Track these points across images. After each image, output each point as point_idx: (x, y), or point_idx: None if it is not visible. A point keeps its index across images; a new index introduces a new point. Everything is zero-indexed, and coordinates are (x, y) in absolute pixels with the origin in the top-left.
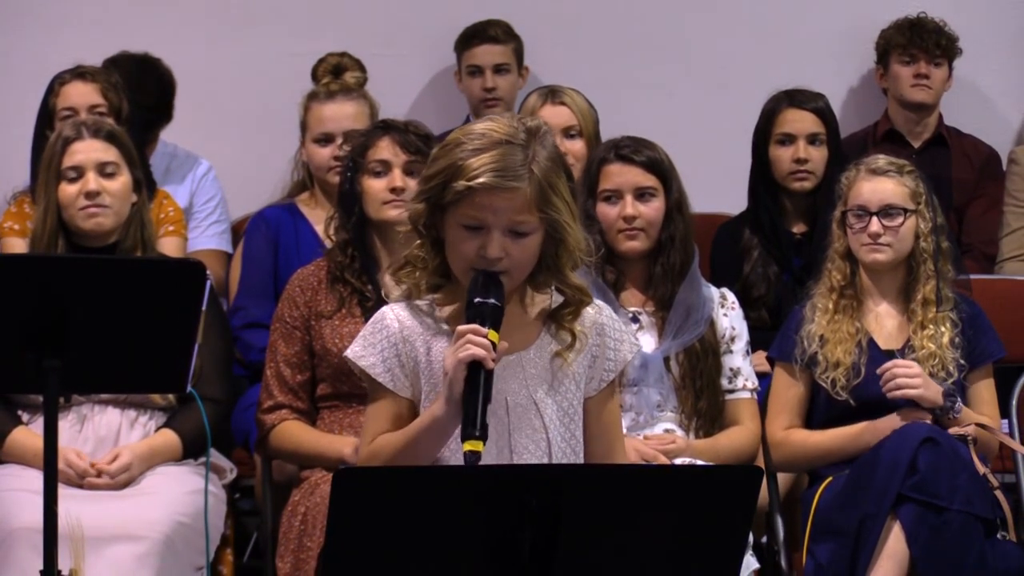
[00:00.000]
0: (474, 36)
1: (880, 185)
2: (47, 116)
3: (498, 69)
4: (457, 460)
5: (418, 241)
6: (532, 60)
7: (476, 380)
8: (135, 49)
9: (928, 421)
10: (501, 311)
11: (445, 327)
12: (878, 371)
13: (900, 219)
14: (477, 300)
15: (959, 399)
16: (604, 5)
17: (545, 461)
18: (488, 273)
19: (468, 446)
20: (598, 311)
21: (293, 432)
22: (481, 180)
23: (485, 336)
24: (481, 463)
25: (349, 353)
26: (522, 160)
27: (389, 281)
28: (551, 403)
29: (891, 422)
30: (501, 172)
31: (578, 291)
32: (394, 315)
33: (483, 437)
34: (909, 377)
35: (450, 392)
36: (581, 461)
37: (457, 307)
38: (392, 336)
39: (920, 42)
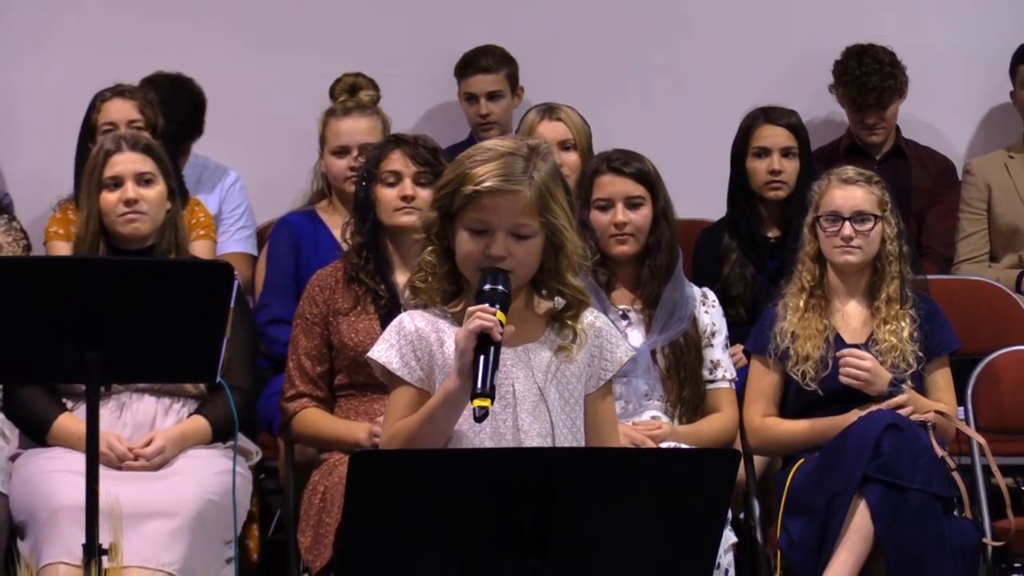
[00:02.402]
0: (468, 66)
1: (851, 193)
2: (89, 130)
3: (491, 96)
4: (473, 434)
5: (430, 248)
6: (531, 79)
7: (484, 349)
8: (170, 69)
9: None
10: (508, 297)
11: (455, 322)
12: (836, 354)
13: (870, 224)
14: (487, 287)
15: (903, 385)
16: (597, 30)
17: (549, 441)
18: (495, 267)
19: (476, 403)
20: (596, 317)
21: (313, 419)
22: (487, 184)
23: (493, 314)
24: (489, 444)
25: (371, 354)
26: (524, 168)
27: (402, 282)
28: (554, 391)
29: (854, 416)
30: (504, 176)
31: (578, 292)
32: (410, 318)
33: (491, 396)
34: (859, 369)
35: (461, 362)
36: (582, 443)
37: (466, 304)
38: (409, 335)
39: (863, 99)
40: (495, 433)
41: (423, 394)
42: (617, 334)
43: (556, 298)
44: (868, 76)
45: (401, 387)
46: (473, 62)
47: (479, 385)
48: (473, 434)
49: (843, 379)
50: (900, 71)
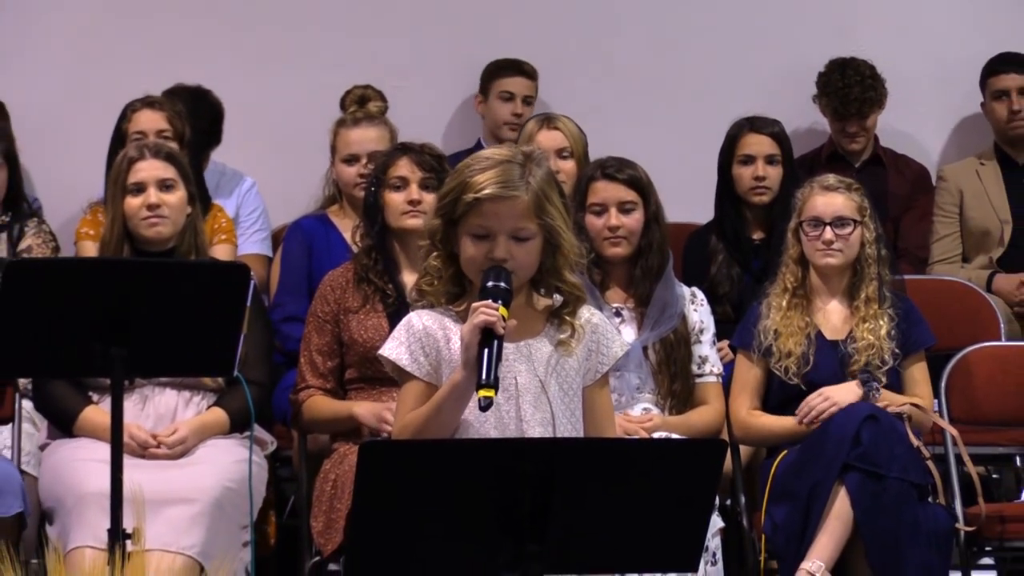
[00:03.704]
0: (510, 68)
1: (832, 199)
2: (120, 138)
3: (526, 99)
4: (479, 424)
5: (435, 253)
6: None
7: (488, 343)
8: (189, 82)
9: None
10: (510, 293)
11: (460, 320)
12: (799, 420)
13: (850, 229)
14: (489, 284)
15: (875, 383)
16: (594, 47)
17: (550, 430)
18: (498, 266)
19: (482, 393)
20: (592, 313)
21: (318, 404)
22: (486, 191)
23: (496, 309)
24: (494, 434)
25: (382, 351)
26: (520, 174)
27: (409, 282)
28: (554, 383)
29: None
30: (503, 184)
31: (576, 289)
32: (418, 317)
33: (495, 387)
34: (822, 401)
35: (466, 356)
36: (581, 432)
37: (471, 302)
38: (417, 333)
39: (845, 108)
40: (499, 423)
41: (431, 388)
42: (613, 329)
43: (555, 295)
44: (850, 88)
45: (411, 381)
46: (515, 65)
47: (484, 376)
48: (479, 423)
49: (823, 419)
50: (879, 83)
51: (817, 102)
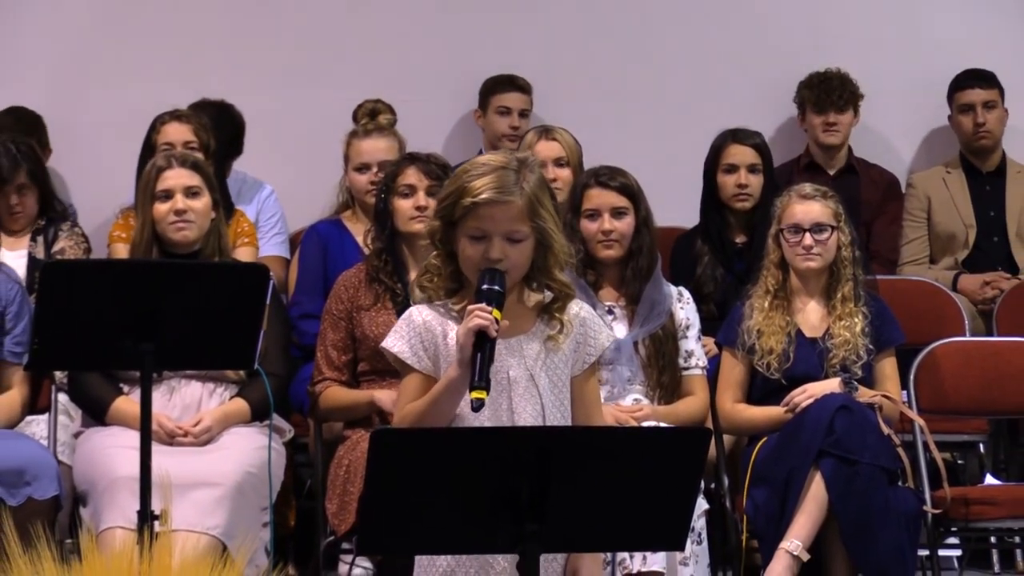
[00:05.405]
0: (508, 83)
1: (810, 207)
2: (150, 149)
3: (522, 113)
4: (473, 416)
5: (435, 252)
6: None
7: (481, 345)
8: (214, 96)
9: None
10: (503, 295)
11: (458, 317)
12: (786, 411)
13: (827, 234)
14: (484, 287)
15: (855, 384)
16: (590, 62)
17: (540, 420)
18: (493, 268)
19: (474, 395)
20: (580, 307)
21: (335, 393)
22: (483, 196)
23: (489, 312)
24: (488, 424)
25: (384, 344)
26: (515, 180)
27: (414, 283)
28: (544, 376)
29: None
30: (498, 189)
31: (564, 286)
32: (418, 312)
33: (486, 388)
34: (807, 398)
35: (461, 355)
36: (569, 422)
37: (468, 301)
38: (417, 328)
39: (827, 97)
40: (493, 414)
41: (430, 380)
42: (600, 322)
43: (545, 291)
44: (831, 80)
45: (411, 374)
46: (511, 81)
47: (476, 378)
48: (473, 416)
49: (804, 407)
50: (856, 87)
51: (797, 98)
